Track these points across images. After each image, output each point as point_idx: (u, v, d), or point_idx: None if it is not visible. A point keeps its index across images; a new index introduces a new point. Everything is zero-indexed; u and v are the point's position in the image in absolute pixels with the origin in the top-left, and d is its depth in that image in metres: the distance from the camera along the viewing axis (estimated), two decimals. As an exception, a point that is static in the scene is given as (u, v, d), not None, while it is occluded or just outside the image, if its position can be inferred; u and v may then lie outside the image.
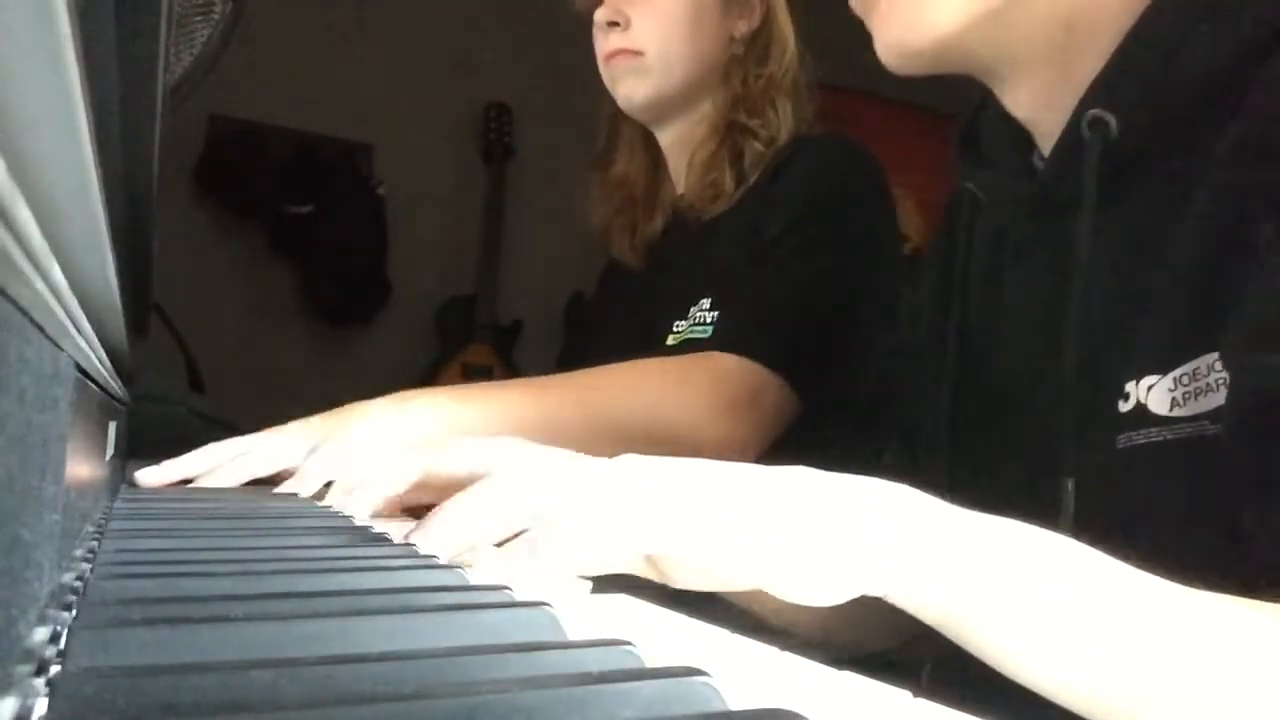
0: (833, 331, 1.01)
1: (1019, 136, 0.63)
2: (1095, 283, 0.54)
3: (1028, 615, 0.36)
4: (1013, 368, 0.63)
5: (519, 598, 0.32)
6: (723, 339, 0.99)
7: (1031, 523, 0.38)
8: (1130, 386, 0.51)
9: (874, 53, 0.60)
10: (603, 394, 0.92)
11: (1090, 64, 0.54)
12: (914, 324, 0.75)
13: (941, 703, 0.27)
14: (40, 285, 0.22)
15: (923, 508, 0.39)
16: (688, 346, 1.06)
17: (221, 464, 0.79)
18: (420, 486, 0.55)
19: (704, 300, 1.08)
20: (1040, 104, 0.59)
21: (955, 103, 0.69)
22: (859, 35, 0.61)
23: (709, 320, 1.06)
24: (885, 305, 1.03)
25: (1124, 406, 0.51)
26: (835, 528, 0.38)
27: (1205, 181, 0.49)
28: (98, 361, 0.42)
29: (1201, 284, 0.48)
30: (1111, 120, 0.53)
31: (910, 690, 0.28)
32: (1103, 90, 0.53)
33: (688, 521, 0.40)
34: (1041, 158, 0.61)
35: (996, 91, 0.61)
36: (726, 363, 0.96)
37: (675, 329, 1.11)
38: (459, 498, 0.44)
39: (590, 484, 0.41)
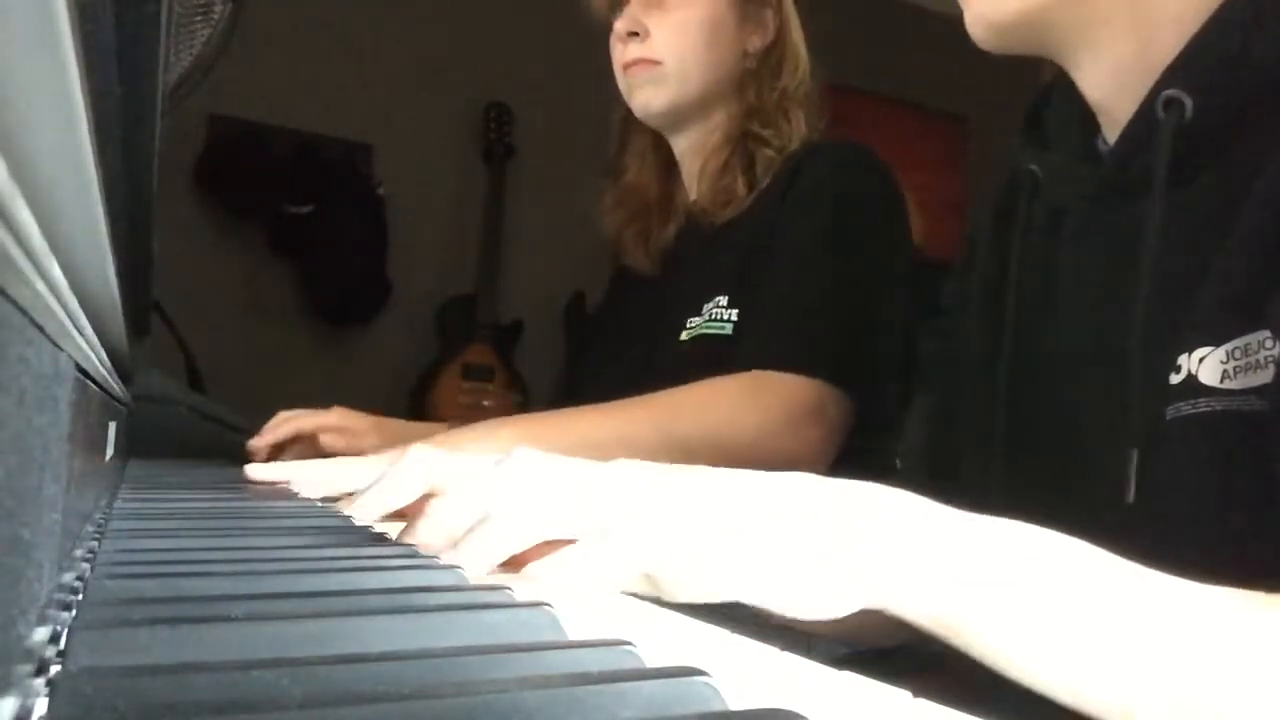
0: (876, 335, 1.04)
1: (1084, 122, 0.63)
2: (1157, 260, 0.54)
3: (1025, 618, 0.36)
4: (1068, 344, 0.63)
5: (519, 598, 0.32)
6: (779, 356, 1.01)
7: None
8: (1182, 359, 0.51)
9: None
10: (674, 414, 0.96)
11: (1168, 44, 0.54)
12: (958, 305, 0.75)
13: (942, 702, 0.27)
14: (40, 285, 0.22)
15: (918, 515, 0.39)
16: (703, 342, 1.09)
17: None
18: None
19: (719, 298, 1.10)
20: (1114, 85, 0.59)
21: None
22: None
23: (726, 317, 1.09)
24: (907, 305, 1.05)
25: (1175, 379, 0.51)
26: (831, 542, 0.38)
27: (1275, 161, 0.49)
28: (98, 361, 0.42)
29: (1263, 260, 0.48)
30: (1187, 101, 0.53)
31: (910, 690, 0.28)
32: (1181, 70, 0.53)
33: (679, 537, 0.40)
34: (1105, 143, 0.62)
35: (1071, 71, 0.61)
36: (788, 380, 0.99)
37: (689, 325, 1.13)
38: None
39: (590, 507, 0.42)
